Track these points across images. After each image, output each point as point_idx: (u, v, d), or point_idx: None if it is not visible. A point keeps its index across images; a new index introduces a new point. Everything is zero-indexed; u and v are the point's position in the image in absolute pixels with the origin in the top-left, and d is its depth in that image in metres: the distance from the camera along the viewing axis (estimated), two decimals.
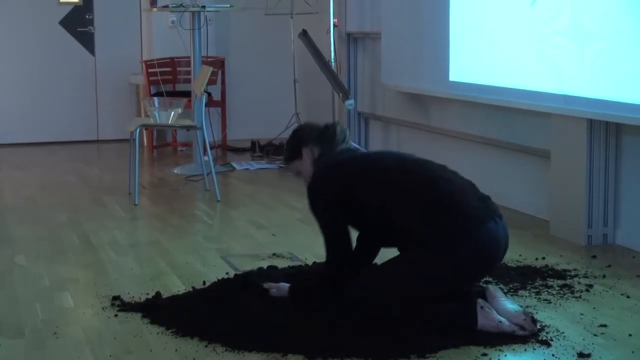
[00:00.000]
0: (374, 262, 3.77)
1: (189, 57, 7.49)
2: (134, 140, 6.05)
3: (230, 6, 7.69)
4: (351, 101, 7.00)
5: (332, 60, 7.48)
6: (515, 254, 4.42)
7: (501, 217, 3.45)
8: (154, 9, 7.88)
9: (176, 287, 4.01)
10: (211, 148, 6.68)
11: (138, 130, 6.13)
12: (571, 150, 4.84)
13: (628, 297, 3.85)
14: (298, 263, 4.35)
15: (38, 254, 4.66)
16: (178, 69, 8.37)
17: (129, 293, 3.90)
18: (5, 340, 3.37)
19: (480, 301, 3.35)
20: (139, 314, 3.60)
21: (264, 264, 4.29)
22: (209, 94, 7.50)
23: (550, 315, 3.57)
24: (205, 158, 6.47)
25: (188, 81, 8.02)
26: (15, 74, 8.78)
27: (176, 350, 3.23)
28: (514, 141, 5.58)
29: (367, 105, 7.48)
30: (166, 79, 8.31)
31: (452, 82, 5.93)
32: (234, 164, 7.54)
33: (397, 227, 3.44)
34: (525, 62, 5.16)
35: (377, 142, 7.43)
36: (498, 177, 5.72)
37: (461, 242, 3.33)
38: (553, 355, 3.16)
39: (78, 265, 4.45)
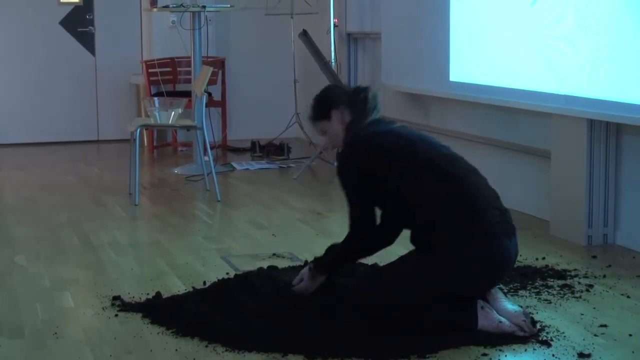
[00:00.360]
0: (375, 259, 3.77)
1: (189, 57, 7.49)
2: (134, 140, 6.05)
3: (231, 6, 7.69)
4: None
5: (332, 60, 7.48)
6: None
7: (515, 234, 3.42)
8: (154, 9, 7.88)
9: (176, 287, 4.00)
10: (211, 148, 6.68)
11: (138, 130, 6.13)
12: (571, 151, 4.84)
13: (628, 297, 3.85)
14: (298, 263, 4.35)
15: (38, 254, 4.66)
16: (178, 69, 8.37)
17: (129, 293, 3.90)
18: (5, 340, 3.37)
19: (480, 301, 3.34)
20: (139, 314, 3.60)
21: (264, 264, 4.29)
22: (209, 94, 7.49)
23: (551, 315, 3.57)
24: (206, 158, 6.47)
25: (188, 81, 8.02)
26: (15, 74, 8.77)
27: (176, 350, 3.23)
28: (514, 141, 5.58)
29: None
30: (166, 79, 8.32)
31: (452, 82, 5.93)
32: (234, 164, 7.54)
33: (418, 223, 3.41)
34: (525, 62, 5.16)
35: None
36: (498, 177, 5.69)
37: (474, 257, 3.29)
38: (553, 355, 3.16)
39: (78, 266, 4.45)
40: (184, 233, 5.20)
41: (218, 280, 3.99)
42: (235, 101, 8.99)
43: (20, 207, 5.94)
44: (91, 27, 8.96)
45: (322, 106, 3.63)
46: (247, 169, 7.41)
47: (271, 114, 8.87)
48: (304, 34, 7.45)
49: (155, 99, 6.66)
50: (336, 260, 3.62)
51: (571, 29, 4.76)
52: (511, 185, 5.63)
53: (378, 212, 3.55)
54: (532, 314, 3.50)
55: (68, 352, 3.25)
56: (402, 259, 3.49)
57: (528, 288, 3.92)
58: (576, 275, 4.15)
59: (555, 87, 4.90)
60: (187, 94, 7.56)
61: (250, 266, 4.27)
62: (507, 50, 5.35)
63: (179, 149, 8.51)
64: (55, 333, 3.44)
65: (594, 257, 4.52)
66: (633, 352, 3.22)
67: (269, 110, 9.01)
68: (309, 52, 7.42)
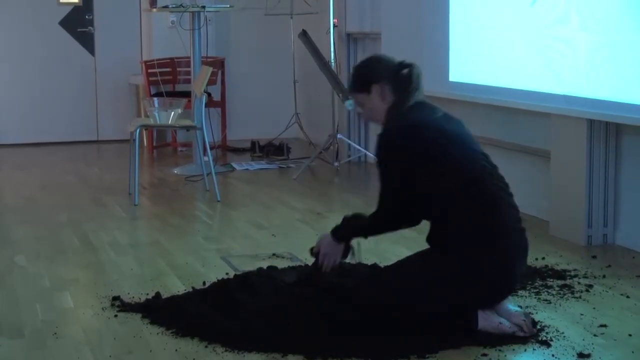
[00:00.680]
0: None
1: (189, 58, 7.49)
2: (134, 140, 6.05)
3: (230, 6, 7.69)
4: (351, 101, 6.98)
5: (332, 61, 7.48)
6: None
7: (527, 253, 3.41)
8: (154, 9, 7.88)
9: (176, 287, 4.00)
10: (211, 148, 6.68)
11: (138, 130, 6.13)
12: (571, 151, 4.84)
13: (628, 297, 3.85)
14: (298, 263, 4.35)
15: (38, 254, 4.66)
16: (178, 69, 8.37)
17: (129, 293, 3.90)
18: (5, 340, 3.37)
19: None
20: (139, 314, 3.60)
21: (264, 264, 4.29)
22: (209, 94, 7.50)
23: (550, 315, 3.57)
24: (205, 158, 6.47)
25: (188, 81, 8.02)
26: (15, 74, 8.77)
27: (176, 350, 3.23)
28: (514, 141, 5.58)
29: None
30: (166, 79, 8.32)
31: (452, 82, 5.93)
32: (234, 164, 7.54)
33: (444, 226, 3.35)
34: (525, 62, 5.16)
35: None
36: None
37: (488, 274, 3.27)
38: (553, 355, 3.16)
39: (78, 266, 4.45)
40: (184, 233, 5.20)
41: (218, 280, 3.99)
42: (234, 101, 8.99)
43: (20, 207, 5.94)
44: (91, 28, 8.96)
45: (363, 79, 3.50)
46: (247, 169, 7.41)
47: (271, 114, 8.87)
48: (304, 34, 7.45)
49: (155, 99, 6.66)
50: (359, 230, 3.56)
51: (571, 29, 4.76)
52: (511, 185, 5.60)
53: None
54: (532, 314, 3.51)
55: (68, 352, 3.25)
56: (405, 259, 3.48)
57: (528, 288, 3.91)
58: (576, 276, 4.15)
59: (555, 87, 4.90)
60: (186, 94, 7.56)
61: (250, 266, 4.27)
62: (506, 50, 5.35)
63: (179, 149, 8.51)
64: (55, 333, 3.44)
65: (594, 257, 4.52)
66: (633, 352, 3.22)
67: (268, 110, 9.01)
68: (309, 52, 7.42)
